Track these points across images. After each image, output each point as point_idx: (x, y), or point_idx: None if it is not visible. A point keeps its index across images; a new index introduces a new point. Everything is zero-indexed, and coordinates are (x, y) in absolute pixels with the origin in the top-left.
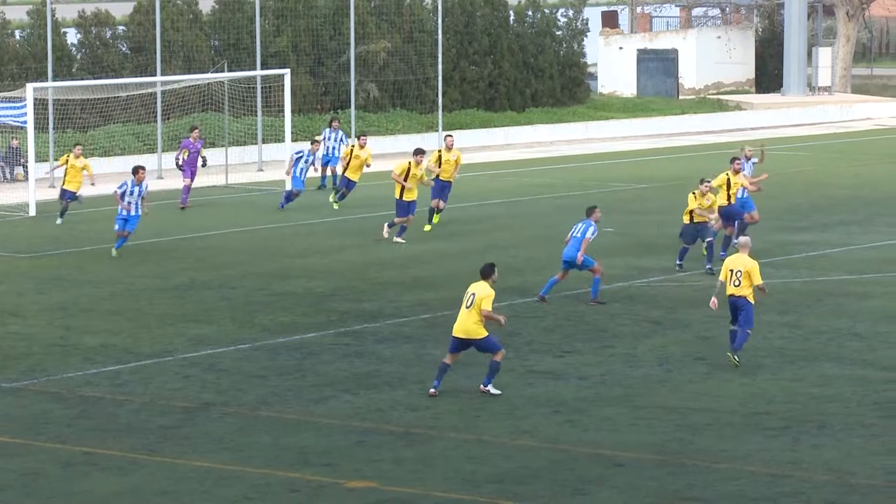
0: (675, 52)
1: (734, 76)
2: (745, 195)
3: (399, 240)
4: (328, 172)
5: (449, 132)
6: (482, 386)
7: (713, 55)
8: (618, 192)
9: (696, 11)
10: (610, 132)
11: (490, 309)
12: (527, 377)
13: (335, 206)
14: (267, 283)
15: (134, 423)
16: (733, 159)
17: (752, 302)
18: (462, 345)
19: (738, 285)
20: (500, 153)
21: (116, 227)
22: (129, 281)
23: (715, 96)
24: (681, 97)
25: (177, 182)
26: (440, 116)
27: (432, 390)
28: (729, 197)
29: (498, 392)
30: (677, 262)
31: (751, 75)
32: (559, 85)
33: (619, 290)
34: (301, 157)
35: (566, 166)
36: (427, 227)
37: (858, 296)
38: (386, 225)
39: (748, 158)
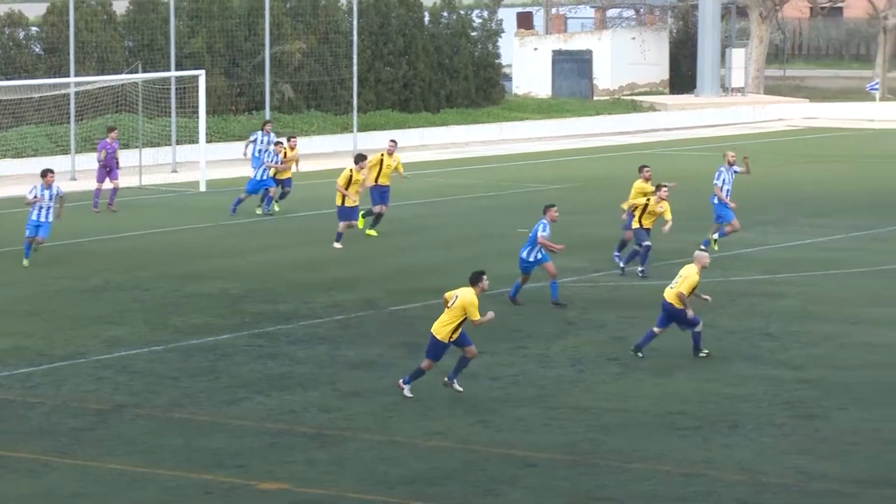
0: (589, 53)
1: (648, 77)
2: (722, 202)
3: (337, 245)
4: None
5: (393, 137)
6: (447, 379)
7: (627, 56)
8: (533, 193)
9: (611, 13)
10: (524, 133)
11: (478, 318)
12: (440, 378)
13: (276, 208)
14: (182, 284)
15: (46, 426)
16: (642, 167)
17: (679, 307)
18: (442, 347)
19: (672, 289)
20: (415, 154)
21: (28, 232)
22: (44, 283)
23: (629, 97)
24: (595, 98)
25: (92, 183)
26: (355, 117)
27: (446, 379)
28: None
29: (461, 389)
30: (640, 270)
31: (665, 76)
32: (474, 86)
33: (533, 291)
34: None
35: (482, 167)
36: (371, 231)
37: (772, 295)
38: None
39: (731, 164)
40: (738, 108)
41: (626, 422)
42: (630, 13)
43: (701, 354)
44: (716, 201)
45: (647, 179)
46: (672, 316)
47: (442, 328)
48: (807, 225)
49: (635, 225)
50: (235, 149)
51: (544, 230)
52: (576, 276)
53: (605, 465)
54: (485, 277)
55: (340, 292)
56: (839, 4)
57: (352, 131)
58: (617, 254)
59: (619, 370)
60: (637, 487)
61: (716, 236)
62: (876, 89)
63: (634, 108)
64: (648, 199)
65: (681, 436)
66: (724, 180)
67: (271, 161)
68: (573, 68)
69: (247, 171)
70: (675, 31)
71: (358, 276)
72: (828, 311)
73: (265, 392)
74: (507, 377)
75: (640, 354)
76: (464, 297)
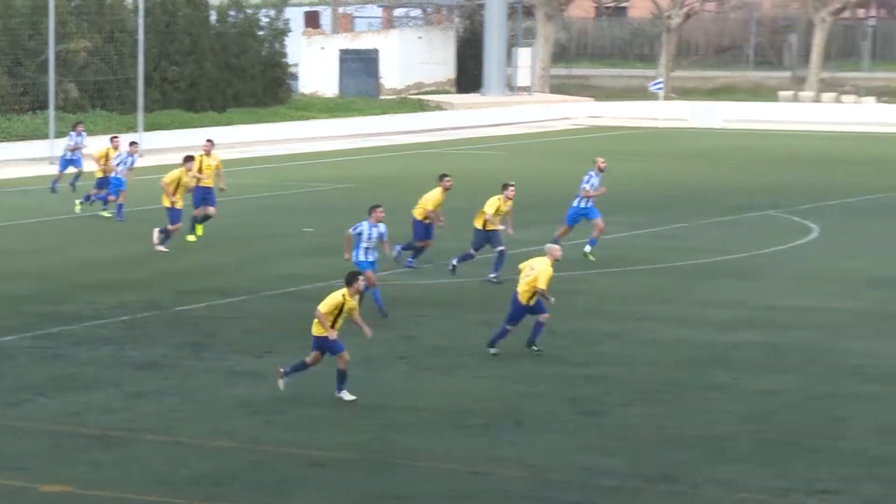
0: (376, 52)
1: (435, 76)
2: (589, 204)
3: (162, 248)
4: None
5: (209, 137)
6: (336, 392)
7: (414, 55)
8: (318, 193)
9: (398, 12)
10: (311, 132)
11: (324, 312)
12: (227, 378)
13: (105, 215)
14: None
15: None
16: (504, 185)
17: (525, 304)
18: (314, 342)
19: (522, 284)
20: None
21: None
22: None
23: (416, 96)
24: (382, 97)
25: None
26: (140, 117)
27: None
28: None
29: (352, 398)
30: (452, 263)
31: (451, 75)
32: (261, 85)
33: (321, 290)
34: (120, 158)
35: (268, 167)
36: (191, 237)
37: (557, 293)
38: (156, 231)
39: (601, 170)
40: (524, 107)
41: (415, 420)
42: (417, 12)
43: (492, 351)
44: (583, 204)
45: (446, 189)
46: (512, 305)
47: (314, 326)
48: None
49: (478, 227)
50: (19, 149)
51: (354, 229)
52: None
53: (394, 463)
54: (360, 279)
55: (125, 293)
56: (623, 4)
57: (137, 131)
58: (409, 258)
59: (409, 368)
60: (426, 486)
61: (588, 248)
62: (660, 89)
63: (421, 107)
64: (499, 199)
65: (468, 434)
66: (592, 185)
67: (129, 165)
68: (360, 67)
69: (30, 171)
70: (461, 30)
71: (143, 277)
72: (612, 308)
73: (48, 394)
74: (295, 376)
75: (535, 347)
76: (330, 294)
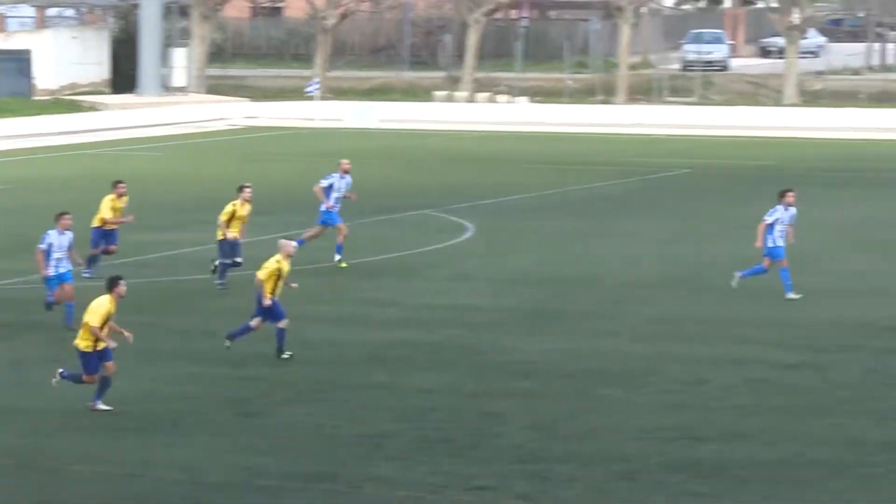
0: (28, 52)
1: (90, 77)
2: (331, 208)
3: None
4: None
5: None
6: (91, 402)
7: (69, 56)
8: None
9: (51, 12)
10: None
11: (98, 325)
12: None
13: None
14: None
15: None
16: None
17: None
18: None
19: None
20: None
21: None
22: None
23: (70, 97)
24: (36, 98)
25: None
26: None
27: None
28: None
29: (107, 408)
30: (219, 282)
31: (106, 76)
32: None
33: None
34: None
35: None
36: None
37: (209, 295)
38: None
39: (346, 172)
40: (179, 108)
41: (65, 424)
42: (71, 12)
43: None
44: (323, 208)
45: (120, 195)
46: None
47: (79, 339)
48: (251, 224)
49: (220, 236)
50: None
51: (42, 241)
52: (17, 278)
53: (45, 467)
54: (122, 283)
55: None
56: (279, 4)
57: None
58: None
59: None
60: (78, 490)
61: (339, 253)
62: (316, 90)
63: (75, 108)
64: (235, 205)
65: (120, 436)
66: (332, 185)
67: None
68: (12, 67)
69: None
70: (116, 30)
71: None
72: None
73: None
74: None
75: (284, 355)
76: (93, 303)
